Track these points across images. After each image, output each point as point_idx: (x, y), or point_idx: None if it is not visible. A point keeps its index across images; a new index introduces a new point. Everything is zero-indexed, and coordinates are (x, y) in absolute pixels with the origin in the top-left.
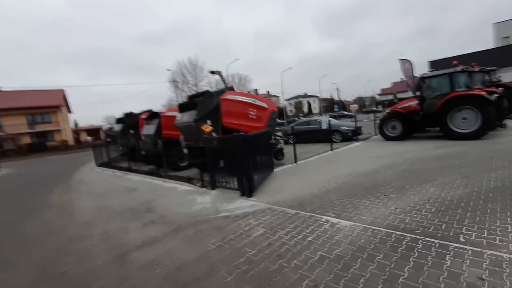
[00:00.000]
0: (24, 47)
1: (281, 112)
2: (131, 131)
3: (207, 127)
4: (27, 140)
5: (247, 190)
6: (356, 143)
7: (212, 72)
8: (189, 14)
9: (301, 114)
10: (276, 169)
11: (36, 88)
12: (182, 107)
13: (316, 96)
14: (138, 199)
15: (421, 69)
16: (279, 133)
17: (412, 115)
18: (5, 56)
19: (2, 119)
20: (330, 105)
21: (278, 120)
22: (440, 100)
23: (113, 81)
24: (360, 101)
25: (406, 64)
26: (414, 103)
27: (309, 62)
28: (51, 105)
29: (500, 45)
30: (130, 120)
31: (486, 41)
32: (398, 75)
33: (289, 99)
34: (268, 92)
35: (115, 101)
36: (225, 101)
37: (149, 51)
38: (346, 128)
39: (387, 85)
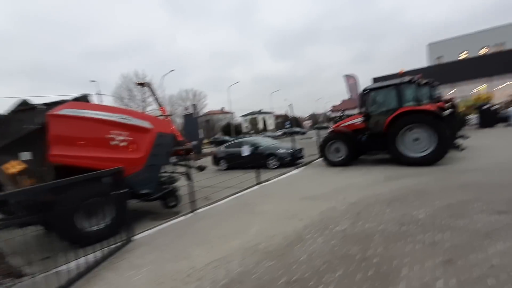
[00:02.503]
0: None
1: (237, 129)
2: None
3: (13, 166)
4: None
5: None
6: (294, 171)
7: (141, 84)
8: (142, 31)
9: (250, 132)
10: (144, 233)
11: None
12: None
13: (271, 113)
14: None
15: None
16: (181, 165)
17: (357, 134)
18: None
19: None
20: (285, 122)
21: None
22: (387, 117)
23: (53, 95)
24: (313, 117)
25: (350, 79)
26: (358, 120)
27: (265, 81)
28: None
29: (434, 64)
30: None
31: (421, 61)
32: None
33: (244, 115)
34: (223, 108)
35: None
36: (57, 120)
37: (97, 66)
38: (283, 151)
39: (337, 102)
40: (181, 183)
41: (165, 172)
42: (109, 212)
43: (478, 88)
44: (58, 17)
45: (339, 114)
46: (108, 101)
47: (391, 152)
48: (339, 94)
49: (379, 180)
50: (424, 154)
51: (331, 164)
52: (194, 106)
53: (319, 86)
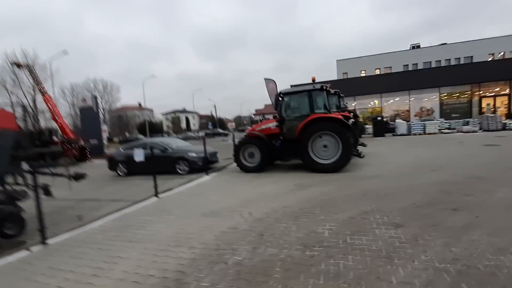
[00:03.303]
0: None
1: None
2: None
3: None
4: None
5: None
6: (205, 178)
7: (16, 65)
8: (38, 3)
9: (169, 132)
10: None
11: None
12: None
13: (196, 113)
14: None
15: None
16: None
17: (271, 139)
18: None
19: None
20: (211, 122)
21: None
22: (299, 123)
23: None
24: (239, 120)
25: (270, 83)
26: (273, 124)
27: (191, 80)
28: None
29: (340, 78)
30: None
31: (332, 75)
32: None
33: (166, 114)
34: (140, 104)
35: None
36: None
37: None
38: (194, 155)
39: (261, 106)
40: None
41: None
42: None
43: (373, 102)
44: None
45: (260, 118)
46: None
47: (304, 159)
48: (264, 98)
49: (289, 188)
50: (331, 161)
51: (245, 170)
52: (95, 97)
53: (245, 90)
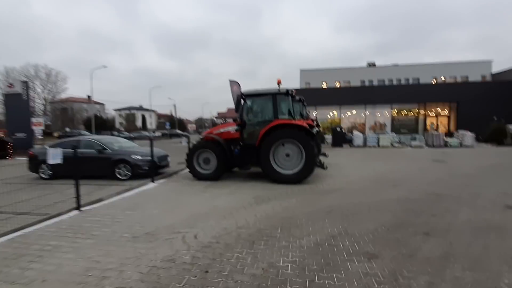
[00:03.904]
0: None
1: (108, 124)
2: None
3: None
4: None
5: None
6: (148, 186)
7: None
8: None
9: (120, 130)
10: None
11: None
12: None
13: (153, 111)
14: None
15: None
16: None
17: (230, 145)
18: None
19: None
20: (169, 122)
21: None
22: (261, 129)
23: None
24: (200, 121)
25: (234, 86)
26: (233, 128)
27: (150, 76)
28: None
29: (303, 87)
30: None
31: (295, 84)
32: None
33: (119, 110)
34: (89, 97)
35: None
36: None
37: None
38: (138, 157)
39: (224, 109)
40: None
41: None
42: None
43: (333, 113)
44: None
45: (222, 121)
46: None
47: (264, 168)
48: (227, 102)
49: (246, 202)
50: (293, 172)
51: (198, 177)
52: (26, 83)
53: (207, 92)
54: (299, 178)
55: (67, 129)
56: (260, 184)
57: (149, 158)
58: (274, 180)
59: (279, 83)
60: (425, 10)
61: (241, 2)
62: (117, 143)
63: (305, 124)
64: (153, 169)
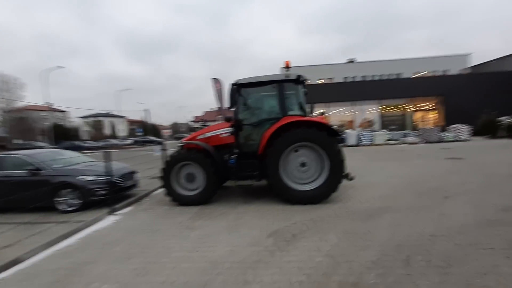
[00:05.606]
0: None
1: (71, 133)
2: None
3: None
4: None
5: None
6: (104, 222)
7: None
8: None
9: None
10: None
11: None
12: None
13: (124, 117)
14: None
15: None
16: None
17: (222, 153)
18: None
19: None
20: (142, 128)
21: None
22: (264, 130)
23: None
24: (175, 126)
25: (217, 84)
26: (225, 131)
27: (117, 82)
28: None
29: None
30: None
31: None
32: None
33: (85, 117)
34: (51, 104)
35: None
36: None
37: None
38: (90, 178)
39: (200, 113)
40: None
41: None
42: None
43: (321, 111)
44: None
45: (200, 125)
46: None
47: (272, 184)
48: (203, 105)
49: (262, 245)
50: (312, 187)
51: (179, 201)
52: None
53: (181, 96)
54: (321, 196)
55: (18, 141)
56: (267, 205)
57: (105, 178)
58: (287, 200)
59: (287, 65)
60: (383, 13)
61: (205, 4)
62: (60, 157)
63: (325, 121)
64: (113, 193)
